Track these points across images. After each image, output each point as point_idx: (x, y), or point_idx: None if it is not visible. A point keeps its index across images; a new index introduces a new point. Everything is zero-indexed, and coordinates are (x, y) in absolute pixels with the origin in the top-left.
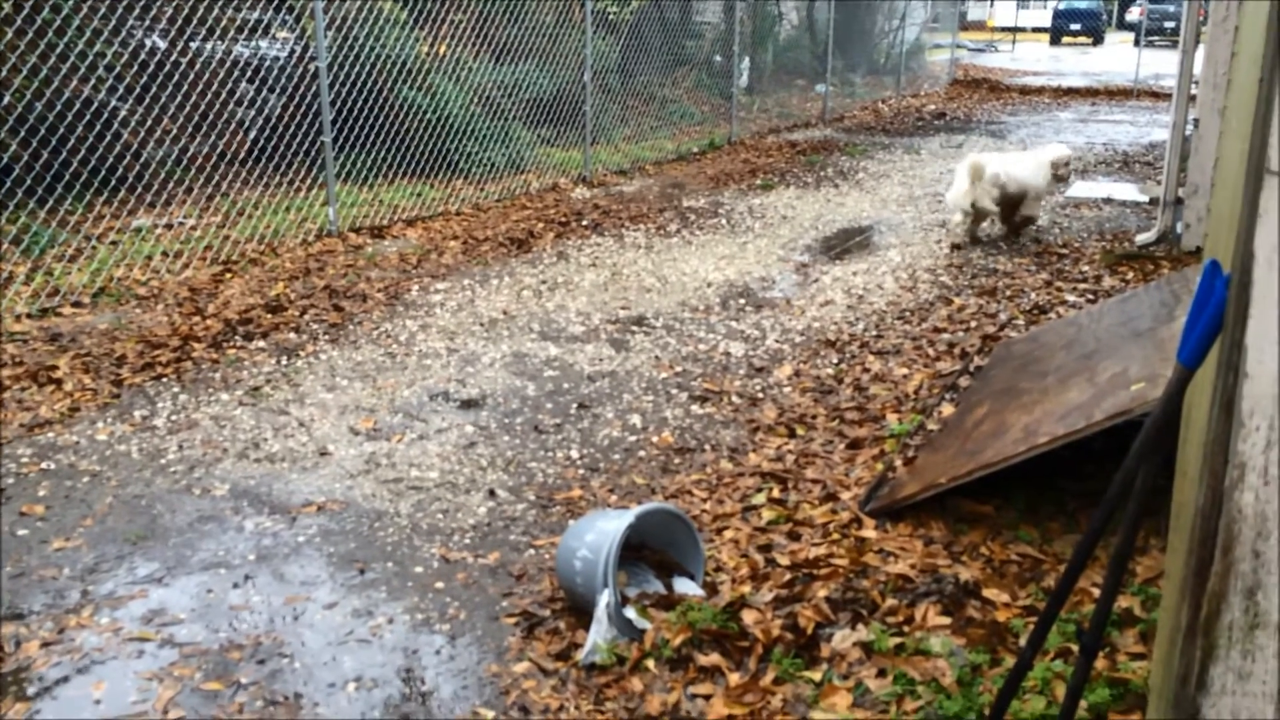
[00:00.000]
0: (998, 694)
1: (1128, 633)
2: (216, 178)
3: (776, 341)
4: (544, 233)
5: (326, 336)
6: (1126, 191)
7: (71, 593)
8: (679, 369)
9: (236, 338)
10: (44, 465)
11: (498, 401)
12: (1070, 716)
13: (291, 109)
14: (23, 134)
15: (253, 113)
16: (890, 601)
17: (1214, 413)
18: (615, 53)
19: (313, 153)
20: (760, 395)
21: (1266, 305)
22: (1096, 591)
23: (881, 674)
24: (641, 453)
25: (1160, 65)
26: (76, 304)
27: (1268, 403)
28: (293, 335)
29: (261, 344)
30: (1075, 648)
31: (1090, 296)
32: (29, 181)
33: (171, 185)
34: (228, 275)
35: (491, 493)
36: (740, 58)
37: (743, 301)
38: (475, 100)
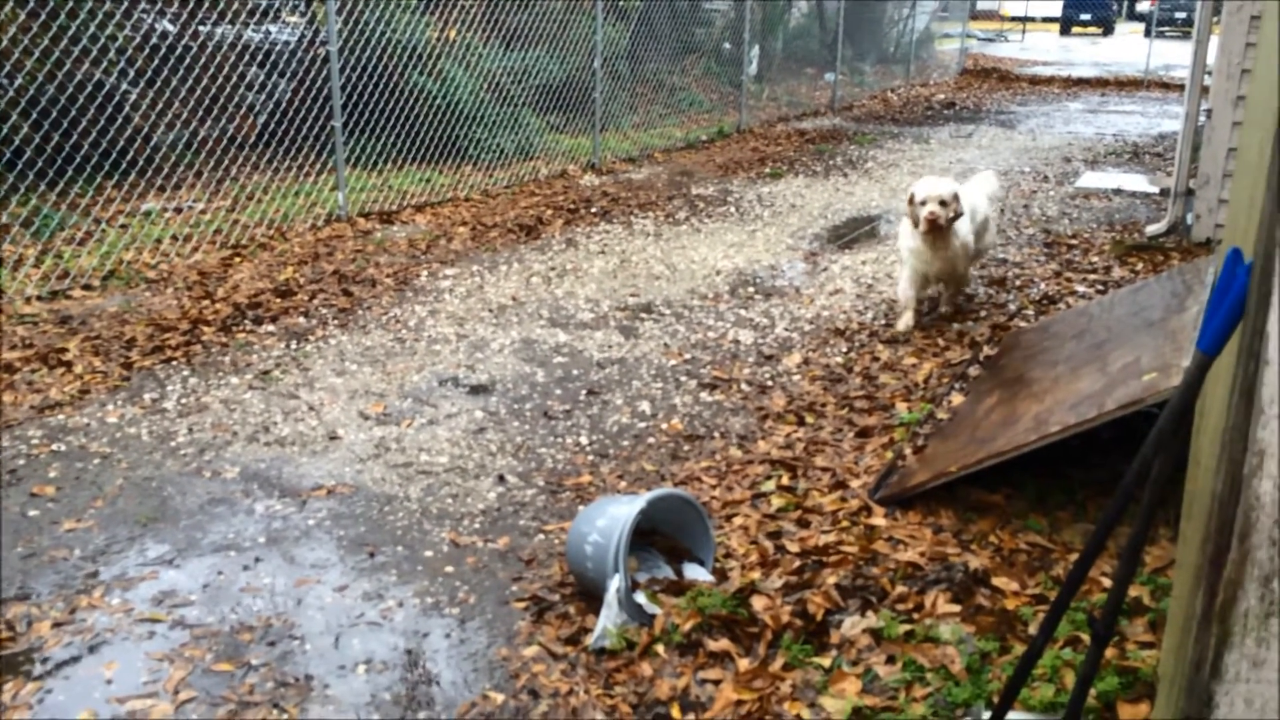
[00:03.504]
0: (1007, 681)
1: (1137, 621)
2: (225, 162)
3: (785, 329)
4: (553, 219)
5: (336, 321)
6: (1136, 182)
7: (82, 573)
8: (688, 356)
9: (246, 322)
10: (54, 447)
11: (507, 387)
12: (1081, 704)
13: (301, 94)
14: (33, 116)
15: (262, 97)
16: (900, 589)
17: (1233, 400)
18: (625, 39)
19: (322, 137)
20: (769, 383)
21: None
22: (1103, 580)
23: (891, 661)
24: (651, 439)
25: (1171, 56)
26: (86, 287)
27: None
28: (302, 320)
29: (271, 328)
30: (1084, 636)
31: (1100, 287)
32: (39, 164)
33: (181, 169)
34: (237, 259)
35: (501, 478)
36: (749, 45)
37: (751, 289)
38: (485, 86)
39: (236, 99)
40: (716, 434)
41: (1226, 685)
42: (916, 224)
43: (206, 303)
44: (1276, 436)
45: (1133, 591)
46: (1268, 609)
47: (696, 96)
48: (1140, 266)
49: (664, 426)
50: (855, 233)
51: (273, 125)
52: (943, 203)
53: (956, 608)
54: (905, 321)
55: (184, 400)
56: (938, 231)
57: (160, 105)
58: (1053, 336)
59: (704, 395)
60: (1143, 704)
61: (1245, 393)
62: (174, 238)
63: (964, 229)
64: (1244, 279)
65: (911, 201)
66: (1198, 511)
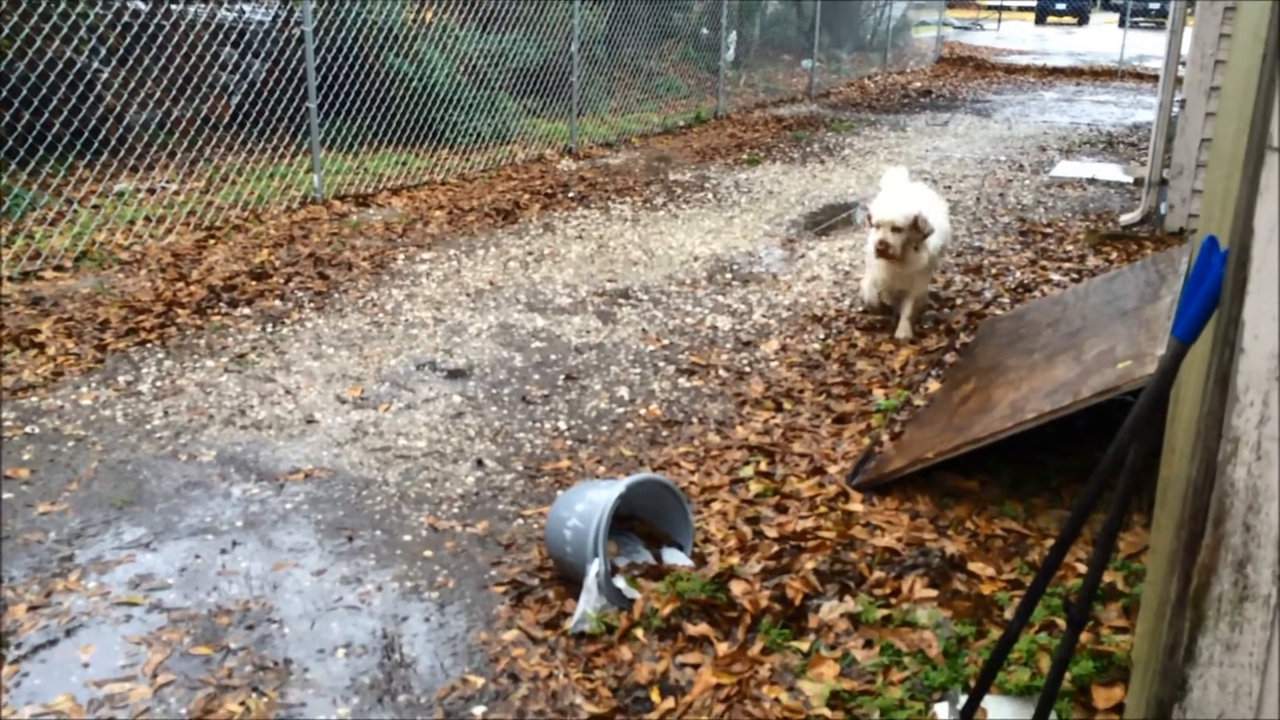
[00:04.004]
0: (984, 665)
1: (1111, 607)
2: (200, 142)
3: (763, 316)
4: (530, 204)
5: (312, 304)
6: (1110, 172)
7: (57, 557)
8: (666, 342)
9: (221, 304)
10: (28, 429)
11: (485, 372)
12: (1056, 687)
13: (276, 74)
14: (3, 95)
15: (236, 77)
16: (877, 574)
17: (1208, 387)
18: (602, 23)
19: (297, 119)
20: (747, 369)
21: (1265, 281)
22: (1078, 566)
23: (868, 645)
24: (629, 424)
25: (1145, 47)
26: (58, 268)
27: (1262, 378)
28: (278, 302)
29: (246, 311)
30: (1059, 621)
31: (1075, 276)
32: (9, 143)
33: (154, 149)
34: (211, 241)
35: (479, 462)
36: (727, 31)
37: (729, 276)
38: (461, 69)
39: (210, 79)
40: (695, 420)
41: (1200, 669)
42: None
43: (181, 285)
44: (1251, 424)
45: (1107, 577)
46: (1241, 594)
47: (674, 82)
48: (1114, 255)
49: (642, 412)
50: (832, 219)
51: (247, 106)
52: (895, 229)
53: (933, 593)
54: (870, 307)
55: (159, 383)
56: (886, 257)
57: (133, 85)
58: (1028, 325)
59: (682, 381)
60: (1117, 687)
61: (1220, 380)
62: (147, 219)
63: (934, 244)
64: (1219, 267)
65: (869, 220)
66: (1172, 498)
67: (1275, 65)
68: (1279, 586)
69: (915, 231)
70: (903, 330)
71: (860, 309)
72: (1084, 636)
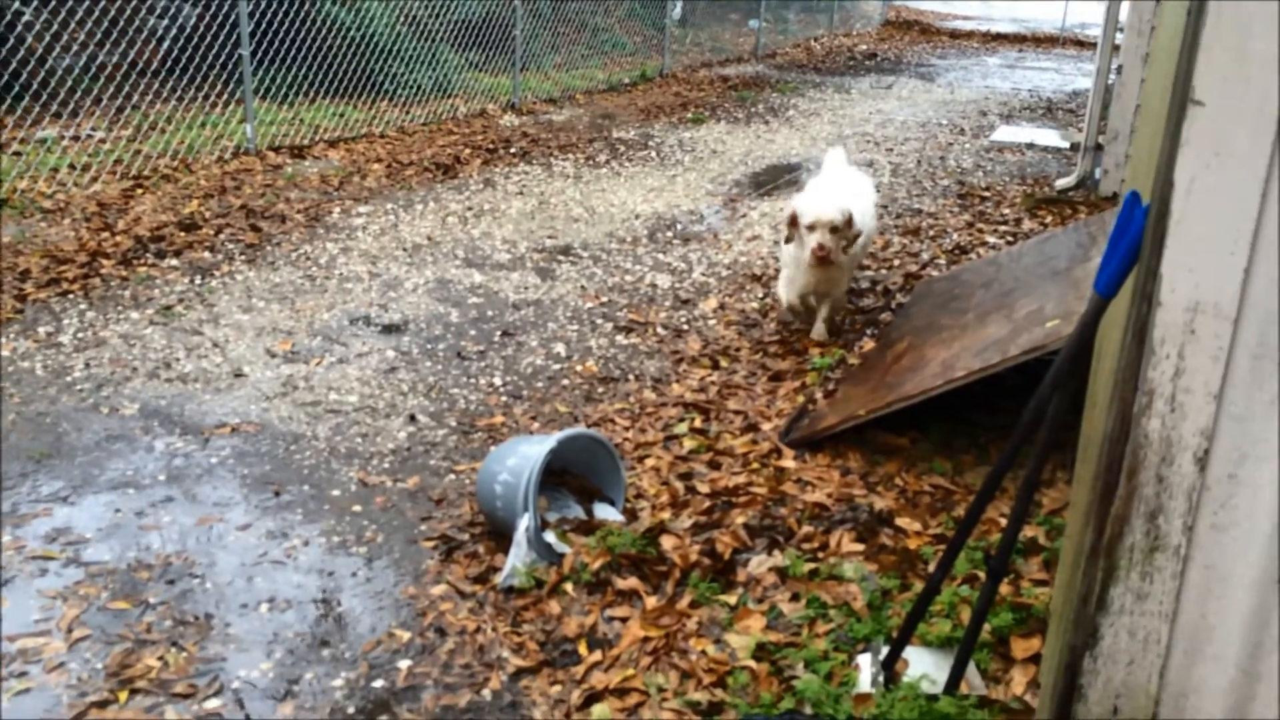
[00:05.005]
0: (905, 617)
1: (1032, 560)
2: (127, 89)
3: (703, 274)
4: (471, 159)
5: (243, 257)
6: (1049, 137)
7: None
8: (605, 299)
9: (148, 255)
10: None
11: (420, 327)
12: (975, 638)
13: (208, 20)
14: None
15: (165, 22)
16: (806, 529)
17: (1126, 340)
18: None
19: (230, 67)
20: (685, 327)
21: (1183, 234)
22: (1004, 521)
23: (795, 598)
24: (565, 381)
25: (1087, 15)
26: None
27: (1178, 331)
28: (207, 254)
29: (174, 262)
30: (981, 574)
31: (1010, 238)
32: None
33: (79, 96)
34: (139, 191)
35: (412, 418)
36: None
37: (670, 234)
38: (401, 19)
39: (139, 23)
40: (631, 376)
41: (1112, 618)
42: (789, 239)
43: (106, 235)
44: (1166, 377)
45: (1030, 532)
46: (1153, 544)
47: (620, 39)
48: (1049, 219)
49: (579, 368)
50: (776, 180)
51: (177, 52)
52: (834, 229)
53: (860, 547)
54: (788, 313)
55: (81, 335)
56: (827, 264)
57: (56, 28)
58: (963, 285)
59: (620, 338)
60: (1035, 638)
61: (1137, 334)
62: (72, 166)
63: (861, 241)
64: (1141, 221)
65: (794, 222)
66: (1091, 452)
67: (1199, 20)
68: (1188, 537)
69: (849, 228)
70: (818, 332)
71: (775, 322)
72: (1005, 589)
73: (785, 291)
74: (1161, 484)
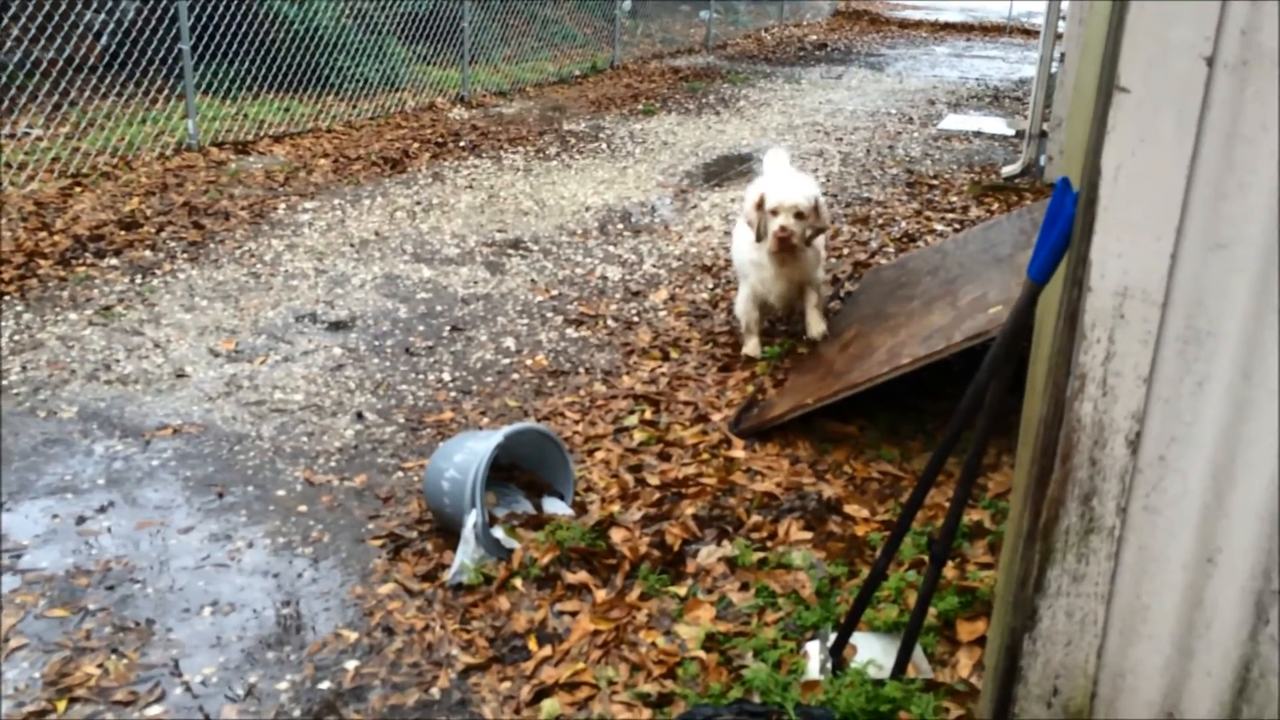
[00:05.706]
0: (852, 603)
1: (977, 544)
2: (65, 85)
3: (653, 266)
4: (419, 153)
5: (185, 255)
6: (995, 125)
7: None
8: (555, 292)
9: (87, 255)
10: None
11: (368, 324)
12: (920, 622)
13: (146, 14)
14: None
15: (104, 17)
16: (755, 518)
17: (1059, 326)
18: None
19: (170, 61)
20: (635, 319)
21: (1111, 220)
22: (949, 505)
23: (744, 588)
24: (515, 375)
25: (1033, 4)
26: None
27: (1108, 315)
28: (148, 253)
29: (114, 262)
30: (927, 559)
31: (957, 226)
32: None
33: (15, 93)
34: (77, 189)
35: (359, 415)
36: None
37: (621, 226)
38: (347, 12)
39: (74, 18)
40: (581, 369)
41: (1049, 599)
42: (761, 237)
43: (43, 234)
44: (1097, 361)
45: (975, 516)
46: (1087, 526)
47: (570, 30)
48: (995, 206)
49: (529, 362)
50: (726, 171)
51: (115, 48)
52: (799, 214)
53: (809, 535)
54: (752, 346)
55: (17, 337)
56: (790, 250)
57: None
58: (909, 273)
59: (570, 331)
60: (980, 621)
61: (1069, 318)
62: (8, 165)
63: (820, 239)
64: (1071, 208)
65: (760, 206)
66: (1029, 436)
67: (1124, 8)
68: (1122, 519)
69: (816, 216)
70: (816, 327)
71: (725, 313)
72: (950, 573)
73: (745, 309)
74: (1095, 467)
